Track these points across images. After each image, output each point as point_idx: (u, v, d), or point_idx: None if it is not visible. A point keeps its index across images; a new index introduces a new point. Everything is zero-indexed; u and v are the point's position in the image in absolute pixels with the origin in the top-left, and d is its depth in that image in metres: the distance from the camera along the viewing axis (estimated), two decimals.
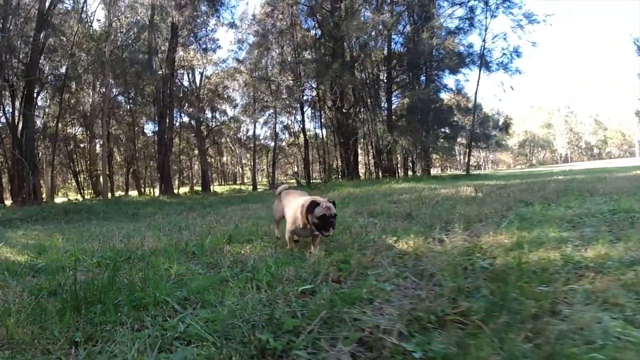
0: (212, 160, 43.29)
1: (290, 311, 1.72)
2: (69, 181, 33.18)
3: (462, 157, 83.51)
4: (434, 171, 35.51)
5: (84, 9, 21.51)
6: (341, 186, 14.26)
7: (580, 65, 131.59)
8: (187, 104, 29.92)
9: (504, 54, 25.90)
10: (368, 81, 22.88)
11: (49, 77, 20.57)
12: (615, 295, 1.79)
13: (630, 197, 5.52)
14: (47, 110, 23.63)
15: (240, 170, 56.98)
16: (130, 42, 20.98)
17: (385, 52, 25.05)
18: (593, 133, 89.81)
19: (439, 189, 9.43)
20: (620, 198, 5.40)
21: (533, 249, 2.63)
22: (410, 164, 27.33)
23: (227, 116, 34.38)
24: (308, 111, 29.80)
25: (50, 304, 1.95)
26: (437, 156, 29.59)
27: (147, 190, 31.13)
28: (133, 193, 29.02)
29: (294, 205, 3.22)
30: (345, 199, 8.07)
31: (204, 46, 27.35)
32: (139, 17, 22.48)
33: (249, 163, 39.18)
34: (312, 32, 27.48)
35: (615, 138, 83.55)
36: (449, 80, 25.79)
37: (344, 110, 22.76)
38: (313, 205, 2.95)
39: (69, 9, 20.50)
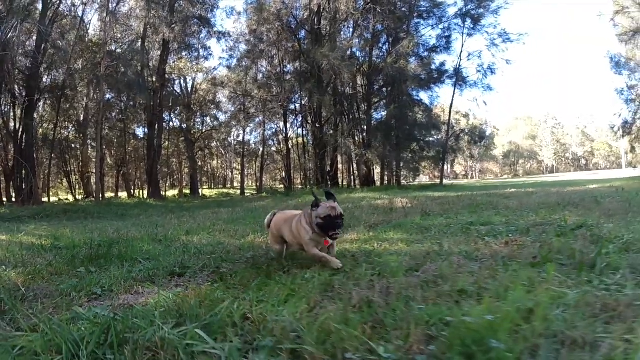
0: (202, 164, 44.75)
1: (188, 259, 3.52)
2: (60, 181, 34.48)
3: (448, 166, 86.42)
4: (424, 179, 37.38)
5: (82, 20, 23.33)
6: (307, 194, 16.12)
7: (570, 76, 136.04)
8: (178, 109, 31.57)
9: (478, 71, 28.24)
10: (344, 97, 24.88)
11: (47, 86, 22.19)
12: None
13: (515, 212, 6.55)
14: (42, 114, 25.28)
15: (230, 174, 58.63)
16: (124, 53, 22.55)
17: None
18: (580, 144, 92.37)
19: (381, 199, 11.31)
20: (500, 212, 6.56)
21: (369, 243, 4.33)
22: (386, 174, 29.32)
23: (218, 121, 35.57)
24: (293, 120, 31.64)
25: (75, 260, 3.73)
26: (426, 164, 31.29)
27: (136, 192, 32.54)
28: (123, 194, 30.56)
29: (294, 223, 3.12)
30: (289, 207, 9.91)
31: (195, 54, 28.82)
32: (132, 30, 24.38)
33: (239, 167, 40.58)
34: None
35: (602, 149, 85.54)
36: (423, 95, 27.68)
37: (317, 125, 24.79)
38: (316, 206, 2.89)
39: (67, 17, 22.27)
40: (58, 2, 20.33)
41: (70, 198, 27.02)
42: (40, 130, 24.38)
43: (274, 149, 37.03)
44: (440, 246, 3.67)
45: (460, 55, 27.78)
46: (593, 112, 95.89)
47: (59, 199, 26.14)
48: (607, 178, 25.34)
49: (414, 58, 25.82)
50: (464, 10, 26.84)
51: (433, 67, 26.71)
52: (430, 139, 28.84)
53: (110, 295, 2.52)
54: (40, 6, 19.59)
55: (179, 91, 31.76)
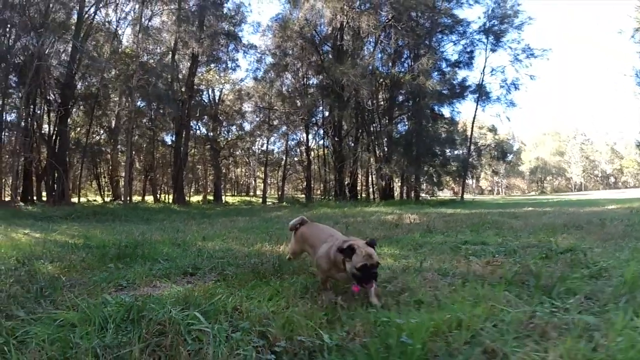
0: (227, 171, 45.82)
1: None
2: (90, 183, 36.01)
3: (473, 182, 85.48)
4: (447, 193, 37.40)
5: (116, 33, 24.81)
6: (323, 206, 16.64)
7: (599, 91, 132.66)
8: (205, 118, 32.75)
9: (502, 86, 28.32)
10: (364, 111, 25.43)
11: (81, 94, 23.61)
12: None
13: (515, 233, 6.68)
14: (76, 119, 26.83)
15: (254, 182, 59.74)
16: (155, 66, 23.76)
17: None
18: (609, 162, 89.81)
19: (393, 214, 11.69)
20: (500, 233, 6.74)
21: None
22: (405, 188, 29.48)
23: (243, 131, 36.33)
24: (315, 131, 32.31)
25: (105, 257, 4.34)
26: (449, 179, 31.20)
27: (162, 196, 33.58)
28: (149, 198, 31.74)
29: (324, 245, 2.95)
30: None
31: (223, 65, 29.86)
32: (163, 43, 25.73)
33: (262, 176, 41.48)
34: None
35: (631, 167, 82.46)
36: (445, 110, 27.89)
37: (336, 139, 25.41)
38: (350, 251, 2.64)
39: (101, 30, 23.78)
40: (93, 16, 21.71)
41: (99, 200, 28.36)
42: (73, 134, 25.85)
43: (296, 158, 37.44)
44: (422, 263, 4.04)
45: (483, 71, 27.96)
46: (622, 129, 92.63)
47: (88, 200, 27.52)
48: (630, 198, 24.79)
49: (436, 73, 26.17)
50: (487, 26, 27.09)
51: (455, 82, 26.98)
52: (452, 153, 28.94)
53: (133, 287, 3.09)
54: (74, 19, 21.02)
55: (206, 101, 32.93)
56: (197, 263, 4.06)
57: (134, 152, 29.65)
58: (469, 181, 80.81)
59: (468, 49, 27.60)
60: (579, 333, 2.03)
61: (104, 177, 33.63)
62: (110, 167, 32.04)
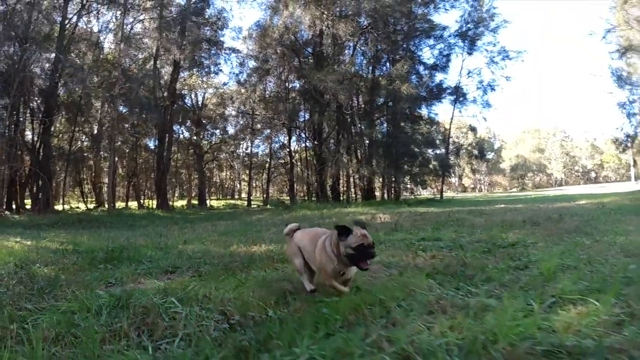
0: (211, 175, 45.93)
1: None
2: (72, 190, 35.86)
3: (456, 180, 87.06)
4: (431, 192, 38.47)
5: (98, 43, 25.03)
6: (304, 208, 17.28)
7: (579, 88, 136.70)
8: (188, 122, 33.00)
9: (478, 88, 29.35)
10: (344, 115, 26.13)
11: (64, 103, 23.77)
12: None
13: (473, 229, 7.15)
14: (59, 127, 26.85)
15: (238, 185, 59.90)
16: (137, 74, 24.04)
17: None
18: (589, 157, 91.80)
19: (367, 214, 12.36)
20: (458, 230, 7.22)
21: None
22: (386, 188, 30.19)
23: (227, 134, 36.66)
24: (298, 134, 32.79)
25: (94, 260, 4.86)
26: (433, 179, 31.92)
27: (146, 201, 33.48)
28: (133, 204, 31.77)
29: (318, 244, 2.91)
30: (284, 220, 11.03)
31: (205, 70, 30.27)
32: (145, 49, 26.01)
33: (247, 179, 41.77)
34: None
35: (612, 162, 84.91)
36: (424, 111, 28.78)
37: (316, 142, 26.10)
38: (344, 232, 2.69)
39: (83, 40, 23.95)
40: (75, 25, 21.93)
41: (82, 206, 28.42)
42: (56, 141, 25.92)
43: (281, 161, 37.84)
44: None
45: (460, 73, 29.02)
46: (603, 125, 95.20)
47: (71, 208, 27.58)
48: (607, 193, 25.57)
49: (415, 76, 27.01)
50: (463, 29, 28.10)
51: (433, 84, 27.90)
52: (431, 154, 29.82)
53: (121, 284, 3.63)
54: (57, 28, 21.20)
55: (189, 105, 33.17)
56: (177, 263, 4.62)
57: (116, 158, 29.73)
58: (452, 179, 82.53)
59: (445, 53, 28.67)
60: (475, 312, 2.40)
61: (87, 184, 33.59)
62: (93, 174, 32.04)
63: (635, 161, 42.11)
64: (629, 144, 33.82)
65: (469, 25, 28.21)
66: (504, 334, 2.00)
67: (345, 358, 1.85)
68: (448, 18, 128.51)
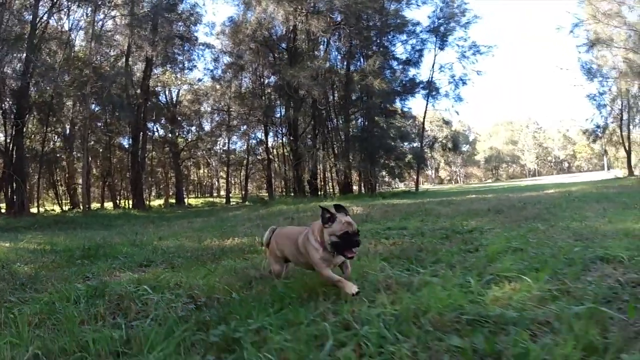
0: (188, 173, 45.54)
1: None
2: (47, 192, 35.14)
3: (432, 172, 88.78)
4: (407, 185, 39.17)
5: (69, 41, 24.55)
6: (281, 203, 17.55)
7: (553, 80, 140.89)
8: (163, 119, 32.69)
9: (450, 82, 30.04)
10: (320, 110, 26.49)
11: (36, 103, 23.32)
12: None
13: (438, 218, 7.40)
14: (31, 128, 26.29)
15: (217, 183, 59.52)
16: (108, 73, 23.75)
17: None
18: (562, 148, 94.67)
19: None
20: (424, 219, 7.46)
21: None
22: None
23: (203, 131, 36.47)
24: (275, 130, 32.96)
25: (71, 258, 5.08)
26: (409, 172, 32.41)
27: (121, 202, 33.20)
28: (108, 204, 31.41)
29: (301, 238, 2.85)
30: (260, 215, 11.34)
31: (179, 66, 30.09)
32: (117, 46, 25.67)
33: (225, 176, 41.67)
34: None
35: (584, 152, 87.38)
36: (398, 106, 29.33)
37: (291, 138, 26.40)
38: (329, 219, 2.63)
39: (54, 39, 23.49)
40: (45, 23, 21.52)
41: (57, 209, 27.94)
42: (28, 142, 25.41)
43: (259, 157, 37.79)
44: None
45: (432, 68, 29.65)
46: (575, 116, 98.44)
47: (46, 210, 27.11)
48: (576, 182, 26.47)
49: (388, 71, 27.53)
50: (435, 25, 28.74)
51: (406, 79, 28.52)
52: (411, 146, 30.47)
53: (98, 277, 3.88)
54: (28, 28, 20.76)
55: (163, 102, 32.83)
56: (152, 257, 4.89)
57: (90, 158, 29.30)
58: (428, 172, 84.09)
59: (417, 48, 29.24)
60: (416, 288, 2.65)
61: (61, 186, 32.94)
62: (67, 175, 31.44)
63: (606, 151, 43.68)
64: (600, 134, 35.11)
65: (440, 21, 28.88)
66: (435, 306, 2.23)
67: (292, 327, 2.16)
68: (420, 14, 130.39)
